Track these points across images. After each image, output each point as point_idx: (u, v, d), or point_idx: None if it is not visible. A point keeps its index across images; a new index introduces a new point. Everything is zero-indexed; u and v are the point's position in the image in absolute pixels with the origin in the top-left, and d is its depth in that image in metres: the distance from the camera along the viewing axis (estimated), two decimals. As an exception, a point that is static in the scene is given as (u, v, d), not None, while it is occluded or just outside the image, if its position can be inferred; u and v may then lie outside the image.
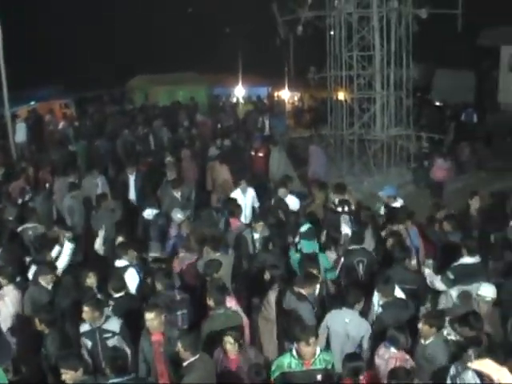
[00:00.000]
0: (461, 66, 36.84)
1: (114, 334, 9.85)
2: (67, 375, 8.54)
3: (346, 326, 10.03)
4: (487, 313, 10.39)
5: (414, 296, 11.33)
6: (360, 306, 10.34)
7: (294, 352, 9.01)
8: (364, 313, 10.98)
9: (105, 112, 31.21)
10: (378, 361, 9.10)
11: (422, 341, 9.40)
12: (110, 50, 44.14)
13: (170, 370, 9.52)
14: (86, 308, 9.89)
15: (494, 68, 36.82)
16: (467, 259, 12.00)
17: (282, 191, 16.70)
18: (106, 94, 37.61)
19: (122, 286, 11.35)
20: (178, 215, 14.97)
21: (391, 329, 9.16)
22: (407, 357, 9.02)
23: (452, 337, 9.62)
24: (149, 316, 9.49)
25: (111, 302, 10.98)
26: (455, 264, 12.05)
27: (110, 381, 8.50)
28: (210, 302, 10.40)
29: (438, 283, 11.90)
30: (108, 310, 10.30)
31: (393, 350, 8.99)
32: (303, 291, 10.77)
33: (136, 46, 44.50)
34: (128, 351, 9.76)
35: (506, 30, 34.16)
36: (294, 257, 13.11)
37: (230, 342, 9.22)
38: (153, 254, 13.24)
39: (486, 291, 10.54)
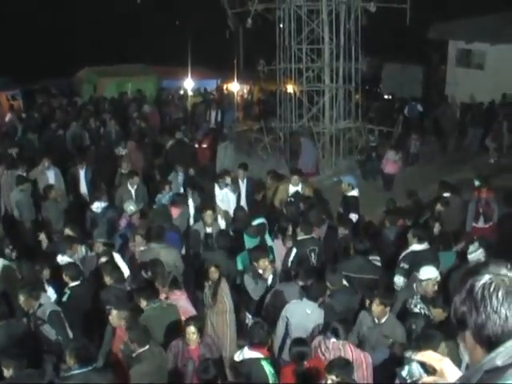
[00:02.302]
0: (409, 59, 37.18)
1: (43, 321, 9.97)
2: (8, 372, 8.45)
3: (308, 317, 10.03)
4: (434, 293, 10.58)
5: (373, 286, 11.46)
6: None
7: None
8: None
9: (53, 104, 30.82)
10: (327, 354, 8.92)
11: (376, 321, 9.64)
12: (58, 41, 43.57)
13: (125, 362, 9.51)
14: (20, 296, 10.06)
15: (442, 62, 37.21)
16: (416, 246, 12.19)
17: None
18: (53, 85, 37.12)
19: (78, 274, 11.38)
20: (130, 207, 14.84)
21: (334, 322, 9.20)
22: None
23: (422, 310, 9.94)
24: (112, 316, 9.62)
25: (67, 291, 11.06)
26: (405, 253, 12.24)
27: (72, 372, 8.46)
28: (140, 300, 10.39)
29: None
30: (44, 298, 10.34)
31: (338, 340, 9.00)
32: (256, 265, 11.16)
33: (84, 36, 44.02)
34: (58, 338, 9.93)
35: (453, 24, 34.49)
36: (240, 255, 13.10)
37: (192, 332, 9.23)
38: (99, 240, 13.11)
39: (429, 273, 10.63)
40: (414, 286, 10.77)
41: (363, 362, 8.88)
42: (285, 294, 10.77)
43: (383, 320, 9.66)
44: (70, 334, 10.37)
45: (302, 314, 10.06)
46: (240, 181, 17.31)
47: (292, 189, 16.58)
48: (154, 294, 10.46)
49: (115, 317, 9.56)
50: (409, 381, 2.92)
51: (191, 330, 9.23)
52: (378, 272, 12.05)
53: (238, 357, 8.83)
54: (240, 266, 12.77)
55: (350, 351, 8.88)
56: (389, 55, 38.45)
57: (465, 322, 2.60)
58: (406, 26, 23.52)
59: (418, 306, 10.08)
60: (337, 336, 8.97)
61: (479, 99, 29.98)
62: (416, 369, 2.90)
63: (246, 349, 8.83)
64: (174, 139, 21.89)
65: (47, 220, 15.86)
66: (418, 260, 11.74)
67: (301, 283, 10.88)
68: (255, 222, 13.89)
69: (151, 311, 10.24)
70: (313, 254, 12.88)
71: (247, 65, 36.26)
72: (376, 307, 9.64)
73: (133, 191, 16.80)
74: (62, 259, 12.23)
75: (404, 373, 2.93)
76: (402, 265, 11.99)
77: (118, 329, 9.64)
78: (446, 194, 15.70)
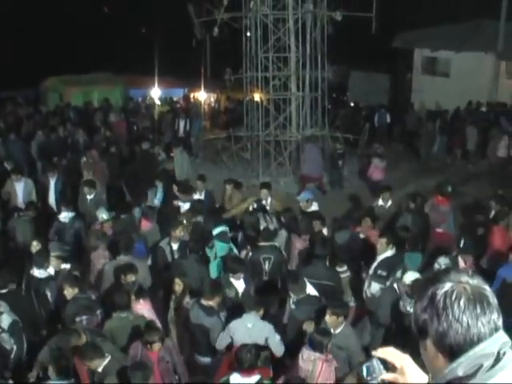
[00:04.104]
0: (375, 68, 37.42)
1: (3, 330, 10.01)
2: None
3: (250, 331, 9.86)
4: None
5: (331, 292, 11.43)
6: (260, 310, 10.23)
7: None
8: (275, 312, 11.13)
9: (18, 113, 30.55)
10: (303, 364, 8.96)
11: (332, 330, 9.55)
12: (23, 50, 43.29)
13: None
14: None
15: (408, 70, 37.53)
16: (388, 252, 12.23)
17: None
18: (19, 95, 36.81)
19: (9, 280, 11.30)
20: (102, 215, 14.67)
21: (312, 333, 9.14)
22: (331, 357, 9.04)
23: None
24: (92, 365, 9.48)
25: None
26: (379, 260, 12.22)
27: (50, 382, 8.55)
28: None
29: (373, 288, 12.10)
30: (2, 307, 10.33)
31: (317, 353, 8.92)
32: (212, 303, 10.54)
33: (50, 46, 43.75)
34: (14, 347, 10.01)
35: (418, 33, 34.88)
36: (213, 263, 13.04)
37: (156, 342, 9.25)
38: (54, 254, 12.93)
39: (412, 278, 10.74)
40: (395, 286, 10.90)
41: None
42: (190, 315, 10.61)
43: (337, 331, 9.59)
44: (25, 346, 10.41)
45: (243, 330, 9.87)
46: (198, 193, 17.08)
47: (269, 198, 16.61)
48: (125, 303, 10.31)
49: (95, 365, 9.49)
50: (368, 378, 2.89)
51: (157, 345, 9.25)
52: (336, 279, 12.04)
53: None
54: (214, 274, 12.73)
55: (319, 368, 8.80)
56: (355, 63, 38.71)
57: (426, 330, 2.57)
58: (372, 34, 23.64)
59: (409, 307, 10.11)
60: (314, 348, 8.90)
61: (445, 106, 30.25)
62: (376, 365, 2.87)
63: (236, 376, 8.49)
64: (141, 150, 21.79)
65: (13, 233, 15.59)
66: (391, 265, 11.89)
67: (204, 302, 10.57)
68: (217, 231, 13.82)
69: (117, 321, 10.20)
70: (267, 263, 12.71)
71: (214, 74, 36.24)
72: (329, 318, 9.59)
73: (89, 200, 16.69)
74: (39, 272, 12.08)
75: (364, 369, 2.90)
76: (379, 272, 12.00)
77: None
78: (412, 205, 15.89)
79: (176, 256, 13.44)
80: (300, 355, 9.09)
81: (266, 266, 12.72)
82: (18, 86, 37.09)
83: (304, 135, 23.53)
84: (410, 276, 10.79)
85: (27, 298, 11.42)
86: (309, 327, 9.90)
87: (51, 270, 12.24)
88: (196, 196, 16.78)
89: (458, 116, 29.36)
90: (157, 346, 9.24)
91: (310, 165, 21.18)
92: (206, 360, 10.61)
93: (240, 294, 11.60)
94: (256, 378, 8.48)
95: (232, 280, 11.62)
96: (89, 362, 8.85)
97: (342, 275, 12.36)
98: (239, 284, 11.71)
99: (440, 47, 33.50)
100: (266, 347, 9.51)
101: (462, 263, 12.34)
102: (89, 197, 16.70)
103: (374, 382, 2.85)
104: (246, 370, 8.45)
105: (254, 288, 12.13)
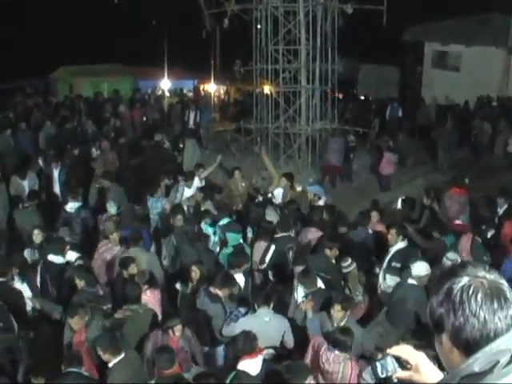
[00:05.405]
0: (385, 61, 37.30)
1: None
2: None
3: (268, 325, 9.82)
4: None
5: (327, 285, 11.42)
6: (271, 305, 10.20)
7: None
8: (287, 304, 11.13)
9: (28, 104, 30.55)
10: (329, 367, 8.75)
11: (335, 325, 9.57)
12: (33, 41, 43.24)
13: (94, 356, 9.39)
14: None
15: (418, 63, 37.40)
16: (400, 244, 12.37)
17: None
18: (28, 85, 36.79)
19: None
20: (111, 209, 14.70)
21: (335, 332, 9.03)
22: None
23: None
24: (72, 321, 9.66)
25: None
26: (392, 252, 12.34)
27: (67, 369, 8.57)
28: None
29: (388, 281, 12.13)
30: None
31: (343, 353, 8.76)
32: (220, 293, 10.59)
33: (60, 36, 43.70)
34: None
35: (429, 26, 34.75)
36: (223, 252, 13.10)
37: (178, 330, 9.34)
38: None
39: (419, 269, 10.77)
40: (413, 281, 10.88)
41: None
42: (209, 313, 10.59)
43: (342, 324, 9.54)
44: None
45: (260, 324, 9.71)
46: (198, 181, 17.38)
47: (276, 190, 16.72)
48: (135, 296, 10.35)
49: (75, 322, 9.55)
50: (383, 375, 2.88)
51: (178, 328, 9.34)
52: (333, 273, 12.04)
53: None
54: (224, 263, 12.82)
55: (349, 368, 8.69)
56: (365, 56, 38.59)
57: (442, 324, 2.55)
58: (382, 27, 23.56)
59: None
60: (340, 348, 8.74)
61: (455, 100, 30.16)
62: (391, 363, 2.86)
63: (242, 363, 8.57)
64: (153, 141, 21.83)
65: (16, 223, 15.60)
66: (405, 257, 11.92)
67: (212, 290, 10.67)
68: (222, 222, 13.86)
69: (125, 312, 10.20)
70: (290, 252, 12.94)
71: (224, 65, 36.21)
72: (337, 313, 9.56)
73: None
74: (57, 258, 12.10)
75: (378, 366, 2.89)
76: (393, 264, 12.06)
77: (78, 333, 9.61)
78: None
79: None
80: (323, 358, 8.88)
81: (290, 255, 12.91)
82: (26, 76, 37.07)
83: (329, 129, 23.53)
84: (419, 266, 10.81)
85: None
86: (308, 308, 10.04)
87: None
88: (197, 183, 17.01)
89: (468, 110, 29.28)
90: (178, 330, 9.30)
91: (334, 155, 21.43)
92: (205, 349, 10.56)
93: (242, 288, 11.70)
94: (260, 358, 8.65)
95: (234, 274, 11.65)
96: (102, 353, 8.83)
97: (347, 269, 12.31)
98: (239, 277, 11.73)
99: (450, 41, 33.41)
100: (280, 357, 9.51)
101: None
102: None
103: (388, 379, 2.84)
104: (249, 353, 8.55)
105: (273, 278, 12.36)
